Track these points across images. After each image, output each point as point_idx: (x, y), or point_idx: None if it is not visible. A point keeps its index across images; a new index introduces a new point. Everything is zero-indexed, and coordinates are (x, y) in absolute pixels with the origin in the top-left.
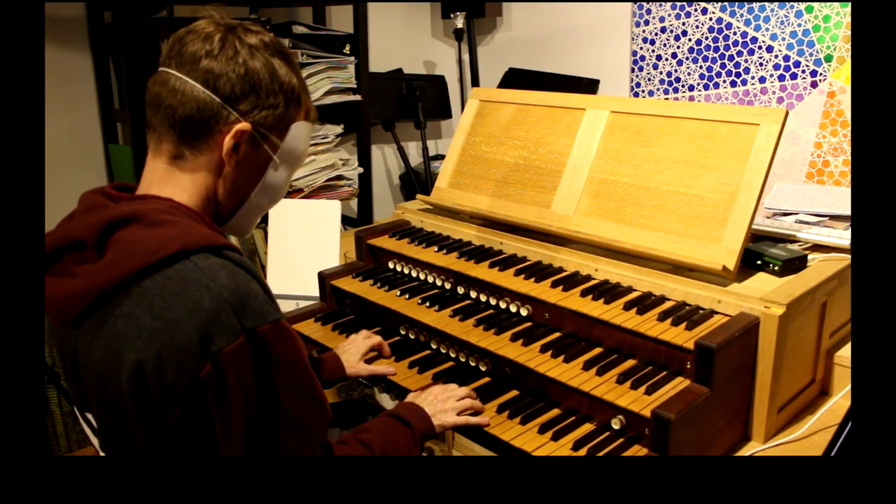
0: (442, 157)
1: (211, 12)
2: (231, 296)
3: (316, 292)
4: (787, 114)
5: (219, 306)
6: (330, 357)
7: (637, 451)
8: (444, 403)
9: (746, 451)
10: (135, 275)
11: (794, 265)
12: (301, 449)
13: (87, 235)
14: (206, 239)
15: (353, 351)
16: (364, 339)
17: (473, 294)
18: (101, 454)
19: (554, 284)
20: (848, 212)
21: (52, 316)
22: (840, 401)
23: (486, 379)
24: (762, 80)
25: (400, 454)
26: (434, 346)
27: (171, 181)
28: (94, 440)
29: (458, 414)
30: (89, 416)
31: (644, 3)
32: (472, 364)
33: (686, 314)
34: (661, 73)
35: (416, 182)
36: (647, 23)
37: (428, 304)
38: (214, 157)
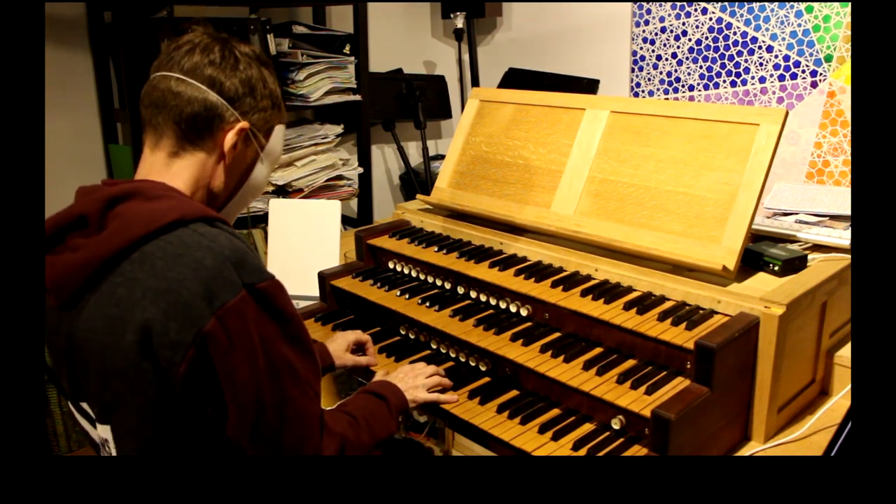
0: (442, 157)
1: (197, 27)
2: (232, 254)
3: (316, 292)
4: (787, 114)
5: (220, 264)
6: (318, 347)
7: (637, 451)
8: (414, 380)
9: (746, 451)
10: (135, 242)
11: (794, 265)
12: (304, 399)
13: (89, 211)
14: (201, 211)
15: (341, 342)
16: (352, 333)
17: (473, 294)
18: (97, 441)
19: (554, 284)
20: (848, 212)
21: (52, 292)
22: (840, 401)
23: (486, 379)
24: (762, 80)
25: (379, 424)
26: (434, 346)
27: (168, 172)
28: (90, 430)
29: (429, 390)
30: (84, 405)
31: (644, 3)
32: (472, 364)
33: (686, 314)
34: (661, 73)
35: (416, 182)
36: (647, 23)
37: (428, 304)
38: (213, 153)
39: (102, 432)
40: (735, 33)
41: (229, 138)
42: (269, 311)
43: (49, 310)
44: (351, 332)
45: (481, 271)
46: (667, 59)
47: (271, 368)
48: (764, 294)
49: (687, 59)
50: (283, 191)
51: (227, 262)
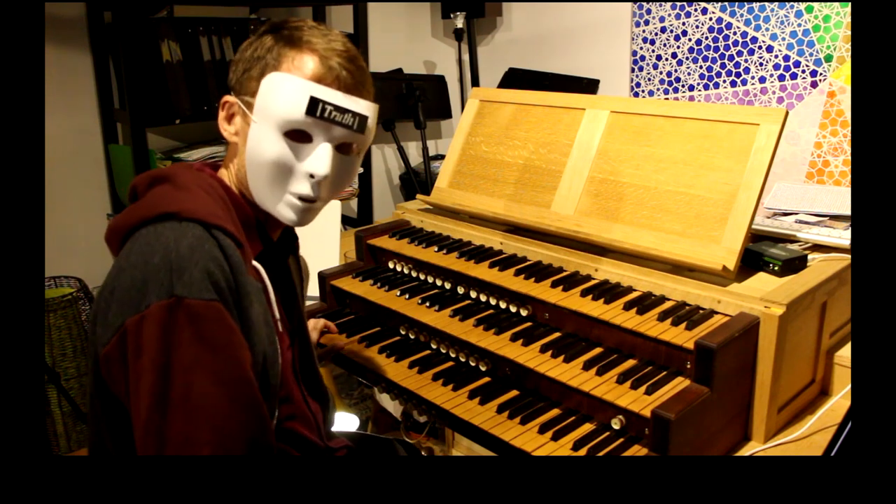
0: (442, 157)
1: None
2: (177, 260)
3: (316, 292)
4: (787, 114)
5: (162, 265)
6: None
7: (637, 451)
8: None
9: (746, 451)
10: (139, 224)
11: (794, 265)
12: (193, 444)
13: (140, 185)
14: (203, 213)
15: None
16: (320, 321)
17: (473, 294)
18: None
19: (554, 284)
20: (848, 212)
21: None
22: (840, 401)
23: (486, 379)
24: (762, 80)
25: None
26: (434, 346)
27: (222, 163)
28: None
29: None
30: None
31: (644, 3)
32: (472, 364)
33: (686, 314)
34: (661, 73)
35: (416, 182)
36: (647, 23)
37: (428, 304)
38: (230, 139)
39: None
40: (735, 33)
41: (220, 116)
42: (190, 332)
43: None
44: (314, 320)
45: (481, 271)
46: (667, 59)
47: (169, 394)
48: (764, 294)
49: (687, 59)
50: None
51: (168, 266)
